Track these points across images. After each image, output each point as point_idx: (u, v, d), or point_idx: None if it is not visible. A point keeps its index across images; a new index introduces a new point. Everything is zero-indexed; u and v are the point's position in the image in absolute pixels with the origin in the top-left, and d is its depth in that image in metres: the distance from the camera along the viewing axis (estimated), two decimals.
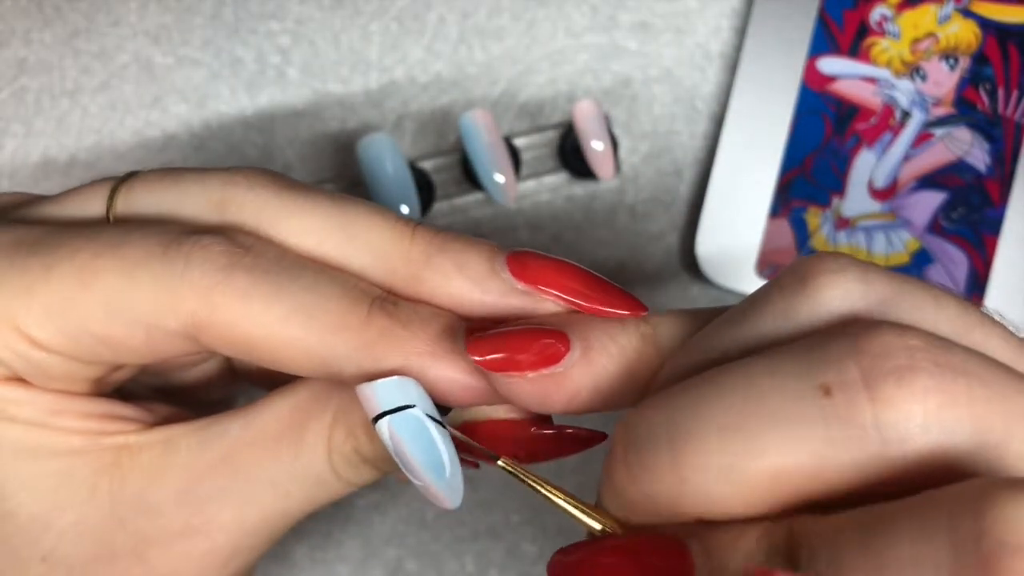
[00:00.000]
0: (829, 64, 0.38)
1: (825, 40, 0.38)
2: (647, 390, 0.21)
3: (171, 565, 0.24)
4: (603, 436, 0.23)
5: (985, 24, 0.38)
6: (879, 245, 0.37)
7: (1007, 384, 0.17)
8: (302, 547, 0.37)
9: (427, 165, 0.37)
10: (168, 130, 0.38)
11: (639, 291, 0.38)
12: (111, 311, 0.22)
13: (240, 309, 0.22)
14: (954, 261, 0.37)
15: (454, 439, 0.22)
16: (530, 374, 0.21)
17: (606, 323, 0.21)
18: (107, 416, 0.24)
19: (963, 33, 0.38)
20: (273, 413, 0.24)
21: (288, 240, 0.23)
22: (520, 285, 0.22)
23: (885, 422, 0.16)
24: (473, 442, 0.22)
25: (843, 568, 0.15)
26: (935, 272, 0.37)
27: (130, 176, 0.25)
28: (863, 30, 0.38)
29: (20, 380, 0.24)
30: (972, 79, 0.37)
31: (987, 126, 0.37)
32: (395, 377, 0.21)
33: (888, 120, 0.38)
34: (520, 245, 0.38)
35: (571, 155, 0.37)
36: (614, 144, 0.37)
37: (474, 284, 0.22)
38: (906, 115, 0.38)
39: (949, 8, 0.38)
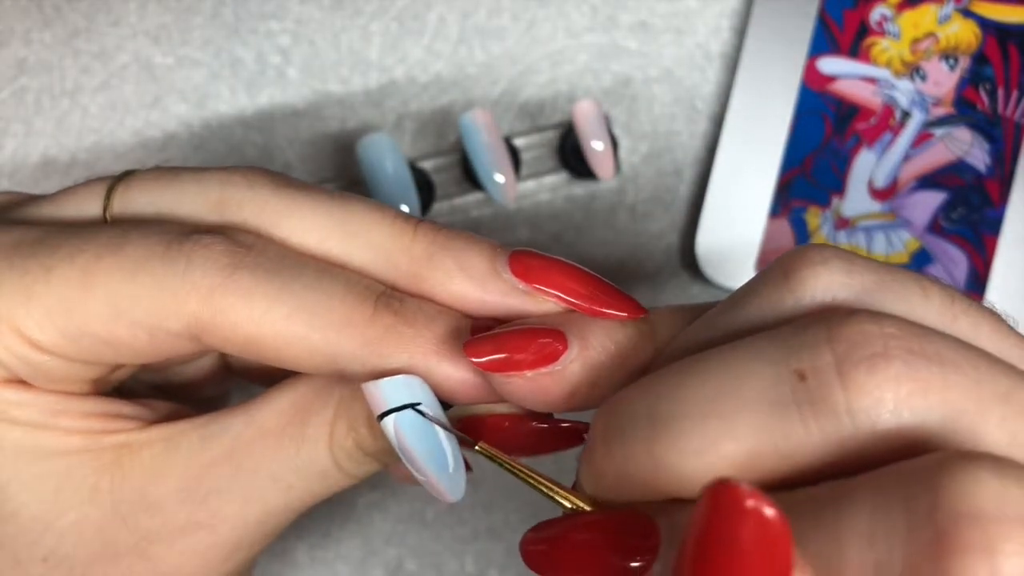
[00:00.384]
0: (829, 64, 0.38)
1: (825, 40, 0.38)
2: None
3: (174, 561, 0.24)
4: None
5: (985, 24, 0.38)
6: (879, 245, 0.37)
7: (983, 370, 0.17)
8: (302, 546, 0.37)
9: (427, 165, 0.37)
10: (168, 130, 0.39)
11: (639, 291, 0.38)
12: (113, 313, 0.22)
13: (243, 309, 0.22)
14: (954, 261, 0.37)
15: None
16: (528, 373, 0.21)
17: (604, 320, 0.22)
18: (107, 415, 0.24)
19: (963, 33, 0.38)
20: (274, 408, 0.24)
21: (289, 238, 0.23)
22: (521, 285, 0.22)
23: (856, 408, 0.16)
24: (454, 429, 0.22)
25: (803, 541, 0.16)
26: (935, 272, 0.37)
27: (126, 175, 0.25)
28: (863, 30, 0.38)
29: (20, 382, 0.24)
30: (972, 79, 0.37)
31: (987, 126, 0.37)
32: (401, 376, 0.22)
33: (888, 120, 0.38)
34: (520, 245, 0.38)
35: (571, 155, 0.37)
36: (614, 144, 0.37)
37: (475, 283, 0.23)
38: (906, 115, 0.38)
39: (949, 8, 0.38)
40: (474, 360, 0.21)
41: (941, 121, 0.37)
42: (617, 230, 0.38)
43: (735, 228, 0.37)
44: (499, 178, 0.36)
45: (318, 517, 0.37)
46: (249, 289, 0.22)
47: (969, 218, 0.37)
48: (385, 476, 0.37)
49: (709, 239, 0.37)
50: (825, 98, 0.38)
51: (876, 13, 0.38)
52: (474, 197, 0.38)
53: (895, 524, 0.15)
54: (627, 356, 0.21)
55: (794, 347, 0.17)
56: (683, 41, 0.39)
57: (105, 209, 0.24)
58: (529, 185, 0.38)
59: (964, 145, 0.37)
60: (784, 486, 0.17)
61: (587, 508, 0.19)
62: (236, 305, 0.22)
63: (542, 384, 0.21)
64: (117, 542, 0.24)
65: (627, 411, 0.18)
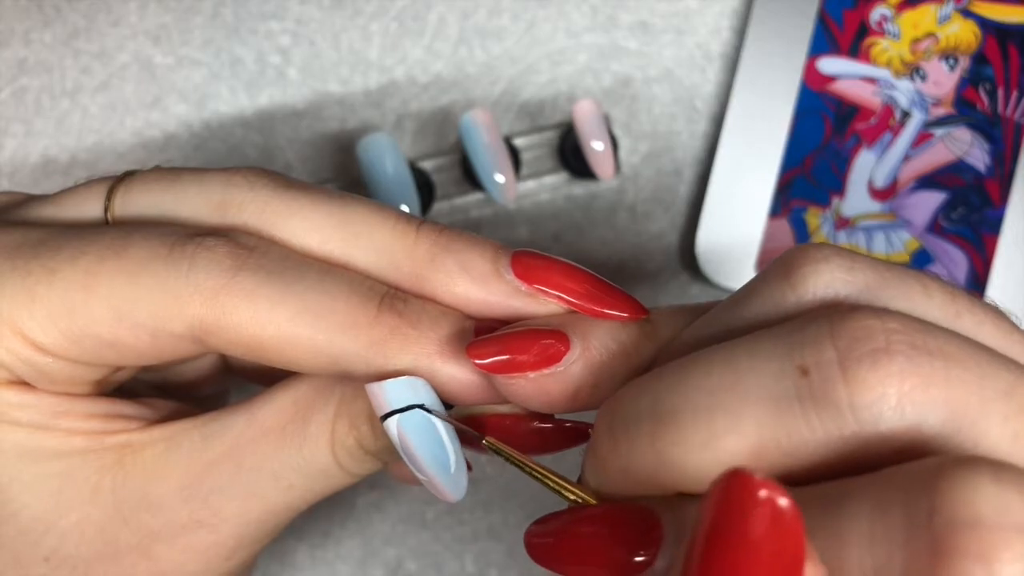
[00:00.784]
0: (829, 64, 0.38)
1: (825, 40, 0.38)
2: None
3: (176, 559, 0.24)
4: None
5: (985, 24, 0.38)
6: (879, 245, 0.37)
7: (986, 366, 0.17)
8: (302, 546, 0.37)
9: (427, 165, 0.37)
10: (168, 130, 0.39)
11: (639, 290, 0.38)
12: (116, 315, 0.22)
13: (247, 311, 0.22)
14: (954, 261, 0.37)
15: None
16: (531, 374, 0.21)
17: (606, 321, 0.22)
18: (109, 416, 0.24)
19: (963, 33, 0.38)
20: (276, 407, 0.24)
21: (291, 240, 0.23)
22: (524, 287, 0.22)
23: (859, 403, 0.16)
24: (462, 425, 0.22)
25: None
26: (935, 272, 0.37)
27: (127, 176, 0.25)
28: (863, 30, 0.38)
29: (22, 383, 0.24)
30: (972, 79, 0.37)
31: (987, 126, 0.37)
32: (404, 377, 0.22)
33: (888, 120, 0.38)
34: (520, 245, 0.38)
35: (571, 155, 0.37)
36: (614, 144, 0.37)
37: (478, 284, 0.23)
38: (906, 115, 0.38)
39: (949, 8, 0.38)
40: (477, 362, 0.21)
41: (941, 121, 0.37)
42: (617, 230, 0.38)
43: (735, 228, 0.37)
44: (499, 178, 0.36)
45: (318, 517, 0.37)
46: (252, 291, 0.22)
47: (969, 218, 0.37)
48: (385, 476, 0.37)
49: (709, 239, 0.37)
50: (825, 98, 0.38)
51: (876, 13, 0.38)
52: (474, 197, 0.38)
53: (894, 528, 0.15)
54: (629, 356, 0.21)
55: (796, 343, 0.17)
56: (683, 41, 0.39)
57: (106, 210, 0.24)
58: (529, 185, 0.38)
59: (964, 145, 0.37)
60: (788, 482, 0.17)
61: (592, 502, 0.19)
62: (239, 307, 0.22)
63: (545, 385, 0.21)
64: (119, 541, 0.24)
65: (631, 406, 0.18)
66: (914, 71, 0.38)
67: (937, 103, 0.38)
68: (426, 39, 0.39)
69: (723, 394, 0.17)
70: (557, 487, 0.20)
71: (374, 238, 0.23)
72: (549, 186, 0.38)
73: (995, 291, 0.37)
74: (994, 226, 0.37)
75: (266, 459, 0.24)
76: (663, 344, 0.21)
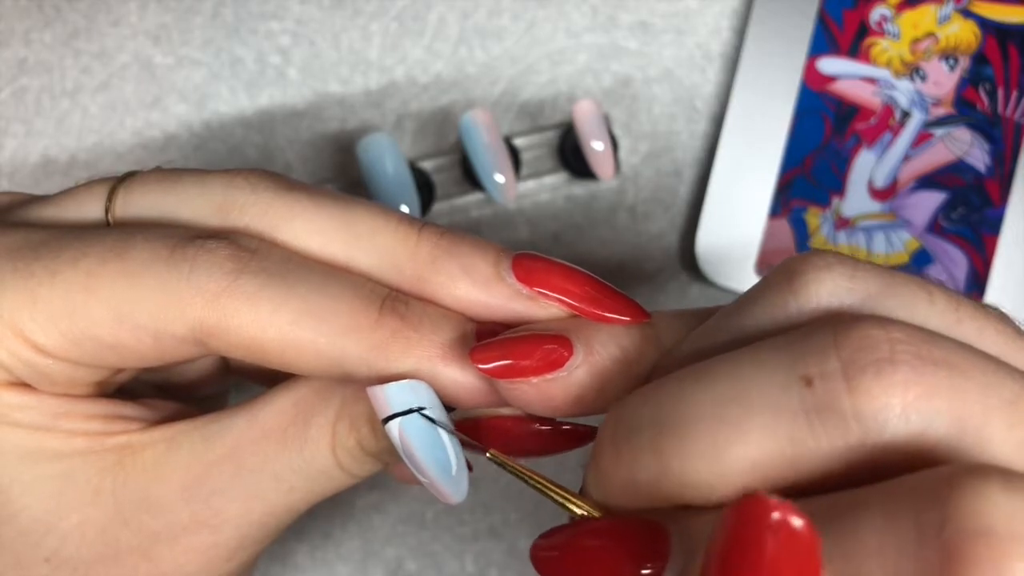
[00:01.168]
0: (829, 64, 0.38)
1: (825, 40, 0.38)
2: None
3: (177, 560, 0.24)
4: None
5: (985, 24, 0.38)
6: (879, 245, 0.37)
7: (990, 375, 0.17)
8: (302, 547, 0.37)
9: (427, 165, 0.37)
10: (168, 130, 0.39)
11: (639, 291, 0.38)
12: (117, 317, 0.22)
13: (249, 314, 0.22)
14: (954, 261, 0.37)
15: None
16: (534, 379, 0.21)
17: (609, 326, 0.22)
18: (110, 416, 0.24)
19: (963, 33, 0.38)
20: (276, 408, 0.24)
21: (293, 242, 0.23)
22: (525, 290, 0.22)
23: (864, 413, 0.16)
24: (467, 438, 0.22)
25: None
26: (935, 272, 0.37)
27: (128, 177, 0.25)
28: (863, 30, 0.38)
29: (23, 385, 0.24)
30: (972, 79, 0.37)
31: (987, 126, 0.37)
32: (406, 381, 0.22)
33: (888, 120, 0.38)
34: (520, 245, 0.38)
35: (571, 155, 0.37)
36: (614, 144, 0.37)
37: (479, 287, 0.23)
38: (906, 115, 0.38)
39: (949, 8, 0.38)
40: (480, 366, 0.21)
41: (941, 121, 0.37)
42: (617, 230, 0.38)
43: (735, 228, 0.37)
44: (499, 178, 0.36)
45: (318, 518, 0.37)
46: (254, 294, 0.22)
47: (969, 218, 0.37)
48: (385, 477, 0.37)
49: (709, 239, 0.37)
50: (825, 98, 0.38)
51: (876, 13, 0.38)
52: (474, 197, 0.38)
53: (905, 539, 0.15)
54: (632, 361, 0.21)
55: (800, 353, 0.17)
56: (683, 41, 0.39)
57: (107, 211, 0.24)
58: (529, 185, 0.38)
59: (964, 145, 0.37)
60: (795, 493, 0.17)
61: (597, 515, 0.19)
62: (241, 310, 0.22)
63: (548, 390, 0.21)
64: (120, 542, 0.24)
65: (634, 417, 0.18)
66: (914, 71, 0.38)
67: (937, 103, 0.38)
68: (426, 39, 0.39)
69: (727, 405, 0.17)
70: (562, 500, 0.20)
71: (376, 240, 0.23)
72: (549, 186, 0.38)
73: (995, 291, 0.37)
74: (994, 226, 0.37)
75: (267, 461, 0.24)
76: (666, 349, 0.21)
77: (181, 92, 0.39)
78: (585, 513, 0.20)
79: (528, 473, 0.20)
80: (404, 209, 0.35)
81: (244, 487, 0.24)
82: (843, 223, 0.37)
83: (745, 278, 0.37)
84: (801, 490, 0.17)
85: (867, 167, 0.37)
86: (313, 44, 0.39)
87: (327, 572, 0.37)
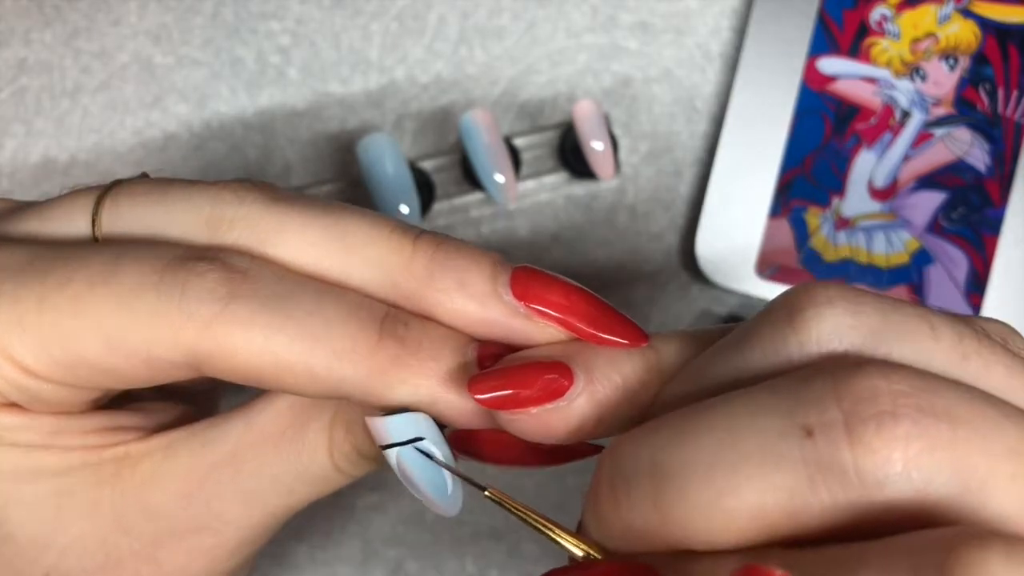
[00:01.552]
0: (829, 64, 0.38)
1: (825, 40, 0.38)
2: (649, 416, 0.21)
3: (180, 561, 0.24)
4: (596, 449, 0.22)
5: (985, 24, 0.38)
6: (879, 245, 0.37)
7: (992, 423, 0.17)
8: (302, 547, 0.37)
9: (427, 165, 0.37)
10: (168, 130, 0.38)
11: (639, 291, 0.38)
12: (108, 343, 0.21)
13: (242, 339, 0.21)
14: (954, 261, 0.37)
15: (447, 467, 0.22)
16: (534, 410, 0.21)
17: (609, 351, 0.21)
18: (106, 429, 0.24)
19: (963, 33, 0.38)
20: (272, 413, 0.24)
21: (284, 257, 0.22)
22: (522, 308, 0.22)
23: (865, 467, 0.16)
24: (465, 476, 0.22)
25: None
26: (935, 272, 0.37)
27: (113, 187, 0.24)
28: (863, 30, 0.38)
29: (17, 406, 0.23)
30: (972, 79, 0.37)
31: (987, 126, 0.37)
32: (407, 414, 0.21)
33: (888, 120, 0.38)
34: (520, 245, 0.38)
35: (571, 155, 0.37)
36: (614, 144, 0.37)
37: (476, 304, 0.22)
38: (906, 115, 0.38)
39: (949, 8, 0.38)
40: (478, 397, 0.21)
41: (941, 121, 0.37)
42: (617, 230, 0.38)
43: (735, 228, 0.37)
44: (499, 178, 0.36)
45: (318, 519, 0.37)
46: (247, 319, 0.21)
47: (969, 218, 0.37)
48: (385, 478, 0.37)
49: (709, 239, 0.37)
50: (825, 98, 0.38)
51: (876, 13, 0.38)
52: (474, 197, 0.38)
53: None
54: (632, 389, 0.21)
55: (800, 401, 0.17)
56: (683, 41, 0.39)
57: (94, 225, 0.23)
58: (529, 185, 0.38)
59: (964, 145, 0.37)
60: (794, 544, 0.17)
61: (596, 556, 0.19)
62: (234, 335, 0.21)
63: (547, 420, 0.21)
64: (121, 549, 0.24)
65: (631, 461, 0.18)
66: (914, 71, 0.38)
67: (937, 103, 0.37)
68: (426, 39, 0.39)
69: (724, 452, 0.17)
70: (561, 540, 0.20)
71: (370, 253, 0.22)
72: (549, 186, 0.38)
73: (995, 291, 0.37)
74: (994, 226, 0.37)
75: (265, 464, 0.24)
76: (667, 375, 0.21)
77: (181, 92, 0.39)
78: (584, 553, 0.19)
79: (528, 512, 0.20)
80: (404, 209, 0.35)
81: (243, 491, 0.24)
82: (843, 223, 0.37)
83: (745, 278, 0.37)
84: (802, 540, 0.17)
85: (867, 167, 0.37)
86: (313, 44, 0.39)
87: (327, 572, 0.37)
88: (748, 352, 0.19)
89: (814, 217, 0.37)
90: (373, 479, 0.36)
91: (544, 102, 0.39)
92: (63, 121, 0.39)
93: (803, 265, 0.37)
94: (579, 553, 0.19)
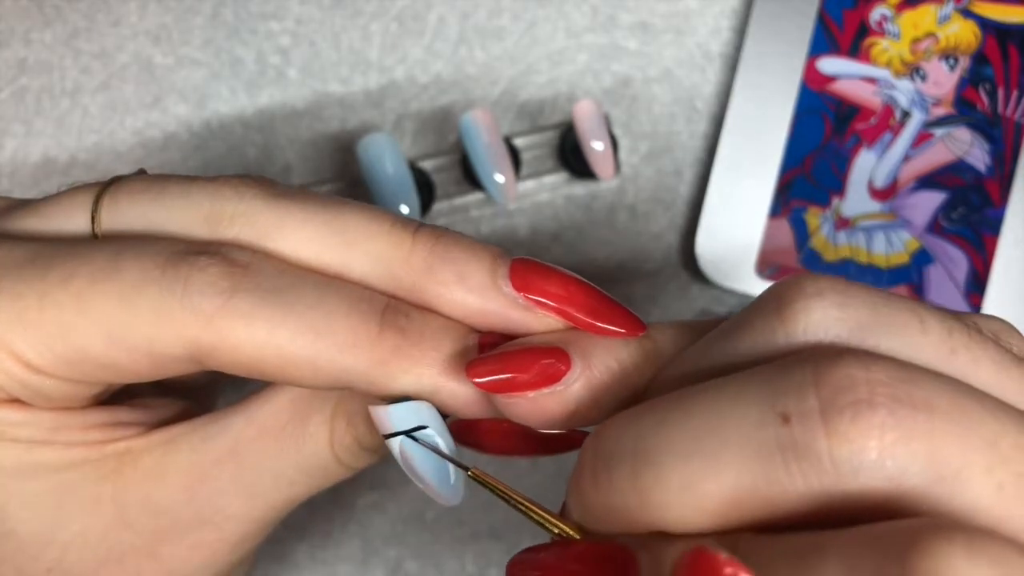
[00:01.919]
0: (829, 64, 0.38)
1: (825, 40, 0.38)
2: None
3: (182, 556, 0.24)
4: None
5: (985, 24, 0.38)
6: (879, 245, 0.37)
7: (972, 416, 0.17)
8: (303, 547, 0.37)
9: (427, 165, 0.37)
10: (168, 130, 0.39)
11: (639, 291, 0.38)
12: (111, 339, 0.22)
13: (244, 333, 0.21)
14: (954, 261, 0.37)
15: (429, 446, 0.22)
16: (531, 394, 0.21)
17: (606, 338, 0.22)
18: (108, 424, 0.24)
19: (963, 33, 0.38)
20: (273, 407, 0.24)
21: (284, 251, 0.22)
22: (521, 299, 0.22)
23: (840, 455, 0.16)
24: (453, 459, 0.22)
25: None
26: (935, 272, 0.37)
27: (112, 183, 0.24)
28: (863, 30, 0.38)
29: (19, 402, 0.23)
30: (972, 79, 0.37)
31: (987, 126, 0.37)
32: (410, 402, 0.22)
33: (888, 120, 0.38)
34: (520, 245, 0.38)
35: (571, 155, 0.37)
36: (614, 144, 0.37)
37: (475, 296, 0.22)
38: (906, 115, 0.38)
39: (949, 8, 0.38)
40: (476, 381, 0.21)
41: (941, 121, 0.37)
42: (617, 230, 0.38)
43: (735, 228, 0.37)
44: (499, 178, 0.36)
45: (318, 518, 0.37)
46: (249, 312, 0.21)
47: (969, 218, 0.37)
48: (384, 476, 0.37)
49: (709, 239, 0.37)
50: (825, 98, 0.38)
51: (876, 13, 0.38)
52: (474, 197, 0.38)
53: None
54: (629, 375, 0.21)
55: (779, 389, 0.17)
56: (683, 41, 0.39)
57: (93, 222, 0.23)
58: (529, 185, 0.38)
59: (964, 145, 0.37)
60: (766, 528, 0.17)
61: (575, 536, 0.20)
62: (237, 329, 0.21)
63: (544, 404, 0.21)
64: (123, 544, 0.24)
65: (614, 445, 0.18)
66: (914, 71, 0.38)
67: (937, 103, 0.38)
68: (426, 39, 0.39)
69: (703, 438, 0.17)
70: (541, 520, 0.20)
71: (369, 247, 0.22)
72: (549, 186, 0.38)
73: (995, 291, 0.37)
74: (994, 226, 0.37)
75: (266, 458, 0.24)
76: (664, 363, 0.21)
77: (181, 92, 0.39)
78: (563, 534, 0.20)
79: (510, 493, 0.21)
80: (404, 209, 0.35)
81: (245, 484, 0.24)
82: (843, 223, 0.37)
83: (745, 278, 0.37)
84: (774, 525, 0.17)
85: (867, 167, 0.37)
86: (313, 44, 0.39)
87: (327, 572, 0.37)
88: (738, 342, 0.19)
89: (814, 217, 0.37)
90: (373, 478, 0.36)
91: (544, 102, 0.39)
92: (63, 121, 0.39)
93: (803, 265, 0.37)
94: (558, 534, 0.20)
